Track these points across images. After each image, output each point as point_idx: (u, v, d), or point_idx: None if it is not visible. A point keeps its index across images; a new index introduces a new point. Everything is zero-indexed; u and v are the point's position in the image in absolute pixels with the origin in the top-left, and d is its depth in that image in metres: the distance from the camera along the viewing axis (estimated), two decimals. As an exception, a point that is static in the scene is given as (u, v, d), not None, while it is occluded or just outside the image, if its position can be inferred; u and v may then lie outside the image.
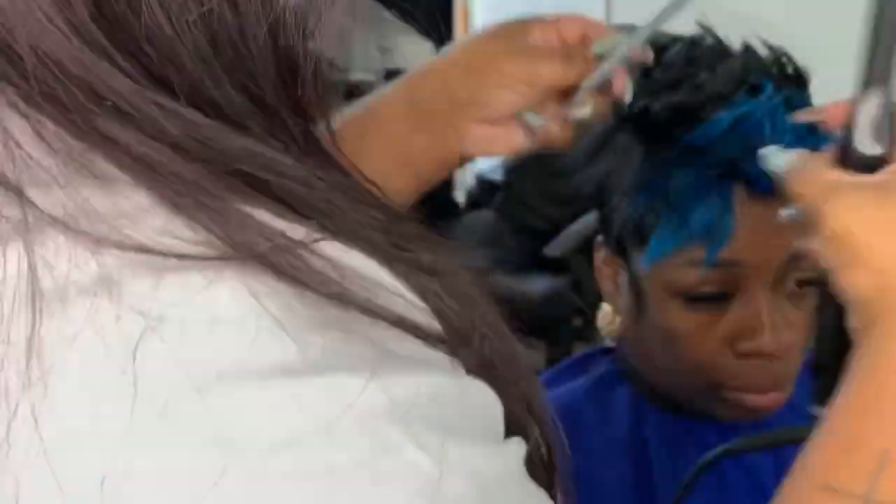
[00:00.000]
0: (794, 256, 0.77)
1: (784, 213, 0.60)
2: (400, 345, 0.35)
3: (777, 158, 0.60)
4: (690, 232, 0.76)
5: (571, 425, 0.87)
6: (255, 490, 0.31)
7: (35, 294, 0.31)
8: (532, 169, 2.78)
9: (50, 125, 0.33)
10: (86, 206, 0.32)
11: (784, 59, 0.79)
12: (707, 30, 0.81)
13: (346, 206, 0.37)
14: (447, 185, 3.26)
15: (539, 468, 0.41)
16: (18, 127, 0.33)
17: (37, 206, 0.32)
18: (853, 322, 0.53)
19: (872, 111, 0.56)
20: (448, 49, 0.72)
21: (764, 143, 0.73)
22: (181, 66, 0.35)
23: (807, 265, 0.77)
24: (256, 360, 0.32)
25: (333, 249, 0.35)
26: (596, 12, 3.35)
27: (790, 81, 0.78)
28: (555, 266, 2.59)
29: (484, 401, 0.37)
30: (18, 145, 0.33)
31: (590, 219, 2.66)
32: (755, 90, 0.76)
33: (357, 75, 3.20)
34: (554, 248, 2.50)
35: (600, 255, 0.86)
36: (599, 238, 0.86)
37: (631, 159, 0.80)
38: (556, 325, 2.76)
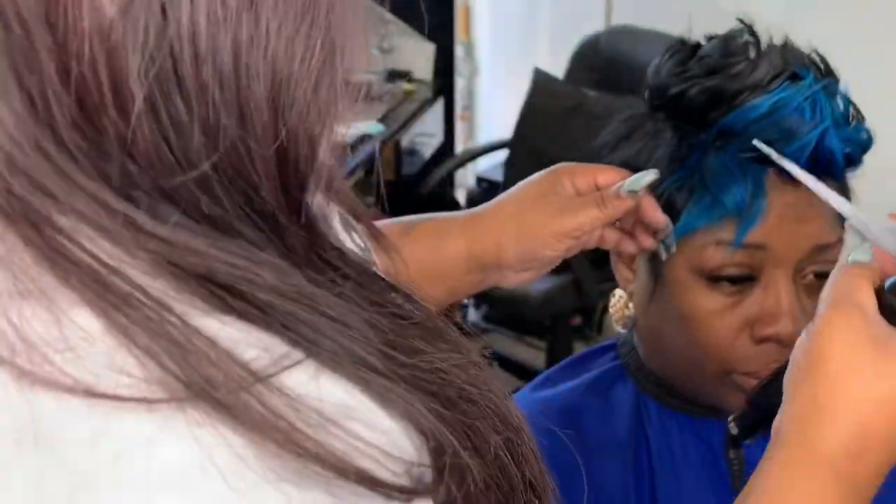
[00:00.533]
0: (818, 247, 0.78)
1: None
2: (353, 498, 0.33)
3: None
4: (723, 210, 0.77)
5: (573, 422, 0.88)
6: None
7: None
8: (531, 169, 2.79)
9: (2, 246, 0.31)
10: (27, 331, 0.30)
11: (817, 57, 0.81)
12: (746, 25, 0.81)
13: (330, 320, 0.35)
14: (447, 184, 3.27)
15: None
16: None
17: None
18: (783, 410, 0.54)
19: None
20: (501, 204, 0.82)
21: (804, 128, 0.75)
22: (174, 181, 0.33)
23: (828, 258, 0.79)
24: None
25: (301, 377, 0.33)
26: (596, 12, 3.35)
27: (825, 75, 0.80)
28: (555, 266, 2.59)
29: None
30: None
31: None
32: (795, 78, 0.78)
33: (358, 76, 3.20)
34: (554, 248, 2.49)
35: None
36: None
37: (663, 141, 0.81)
38: (556, 325, 2.76)
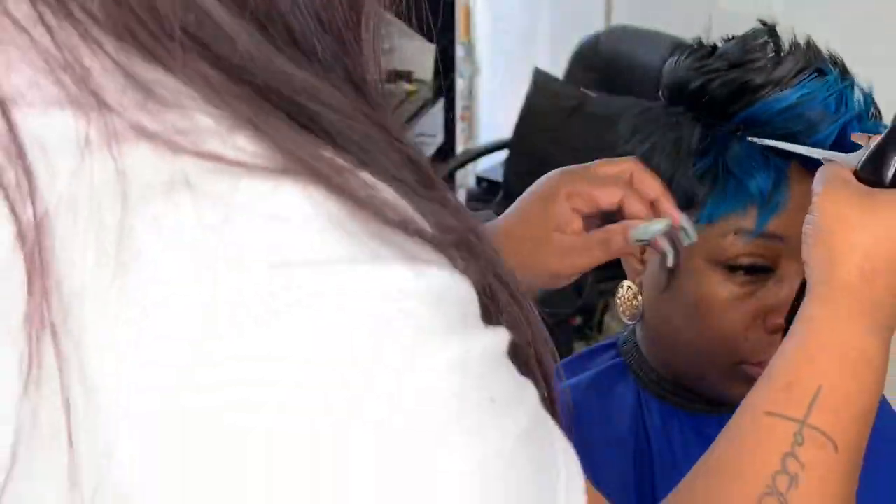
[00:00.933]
0: None
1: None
2: (425, 254, 0.39)
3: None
4: (748, 196, 0.78)
5: (574, 419, 0.88)
6: (312, 329, 0.35)
7: (125, 192, 0.34)
8: (531, 169, 2.79)
9: (126, 56, 0.37)
10: (162, 120, 0.36)
11: (838, 58, 0.82)
12: (767, 26, 0.82)
13: (381, 143, 0.41)
14: (447, 184, 3.28)
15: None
16: (92, 54, 0.37)
17: (121, 115, 0.35)
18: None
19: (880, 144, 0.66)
20: (500, 239, 0.79)
21: (828, 120, 0.76)
22: None
23: None
24: (319, 252, 0.36)
25: (367, 177, 0.39)
26: (596, 12, 3.36)
27: (846, 75, 0.81)
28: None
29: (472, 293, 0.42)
30: (103, 68, 0.36)
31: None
32: (820, 74, 0.79)
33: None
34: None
35: None
36: None
37: (682, 133, 0.81)
38: (556, 325, 2.77)
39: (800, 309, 0.64)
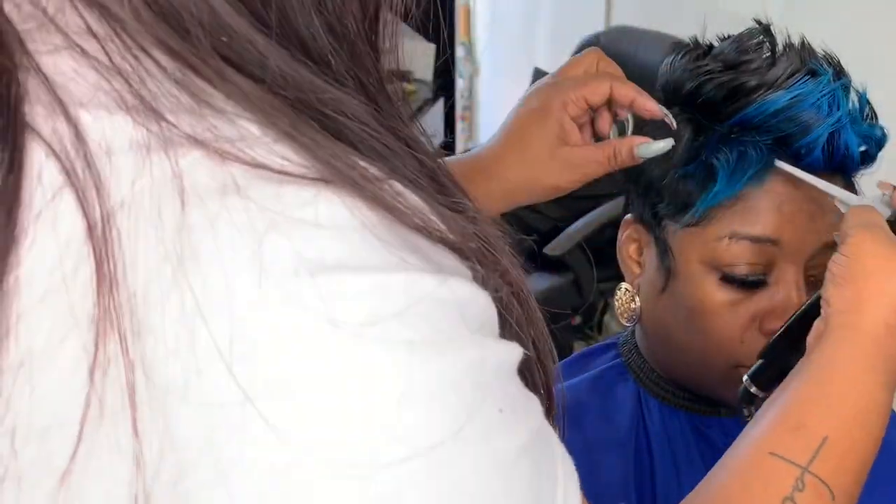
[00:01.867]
0: (830, 244, 0.79)
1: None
2: (451, 264, 0.42)
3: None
4: (737, 198, 0.78)
5: (574, 419, 0.88)
6: (348, 351, 0.38)
7: (181, 192, 0.37)
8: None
9: (178, 71, 0.39)
10: (213, 129, 0.38)
11: (834, 58, 0.82)
12: (762, 25, 0.82)
13: (400, 152, 0.44)
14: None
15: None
16: (151, 66, 0.39)
17: (175, 125, 0.38)
18: (815, 327, 0.65)
19: None
20: (507, 162, 0.81)
21: (820, 122, 0.76)
22: (280, 6, 0.41)
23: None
24: (353, 258, 0.39)
25: (397, 186, 0.42)
26: (596, 12, 3.36)
27: (840, 74, 0.81)
28: (555, 266, 2.60)
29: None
30: (155, 80, 0.39)
31: (590, 218, 2.63)
32: (814, 75, 0.79)
33: (358, 76, 3.21)
34: (554, 248, 2.50)
35: (626, 232, 0.87)
36: (628, 216, 0.87)
37: (680, 135, 0.82)
38: (556, 325, 2.76)
39: (818, 345, 0.64)
